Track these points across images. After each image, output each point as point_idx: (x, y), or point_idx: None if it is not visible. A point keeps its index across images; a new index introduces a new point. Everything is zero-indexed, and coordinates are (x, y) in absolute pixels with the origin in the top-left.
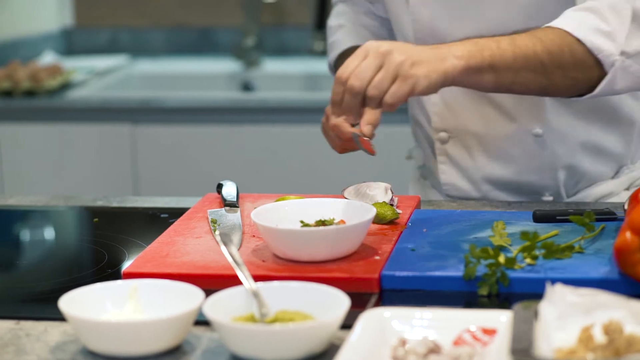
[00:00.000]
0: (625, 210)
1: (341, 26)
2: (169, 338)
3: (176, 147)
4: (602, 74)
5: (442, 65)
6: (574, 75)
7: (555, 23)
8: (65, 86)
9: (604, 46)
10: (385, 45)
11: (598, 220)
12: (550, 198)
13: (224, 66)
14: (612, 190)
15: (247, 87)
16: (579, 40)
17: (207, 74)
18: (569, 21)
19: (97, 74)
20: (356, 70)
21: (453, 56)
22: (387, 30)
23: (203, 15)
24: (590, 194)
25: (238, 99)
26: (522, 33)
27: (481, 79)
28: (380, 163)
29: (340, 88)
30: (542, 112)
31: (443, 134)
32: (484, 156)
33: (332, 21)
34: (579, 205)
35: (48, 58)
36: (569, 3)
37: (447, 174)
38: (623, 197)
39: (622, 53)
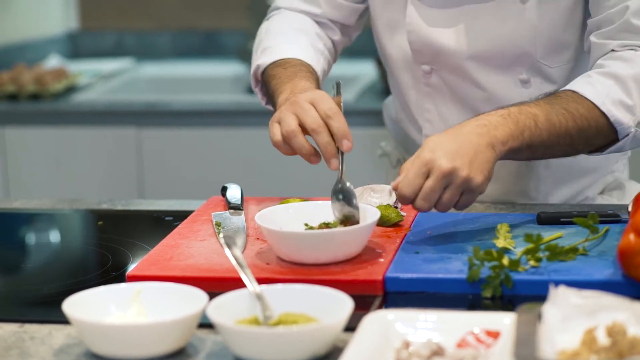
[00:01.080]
0: (629, 212)
1: (282, 33)
2: (173, 341)
3: (181, 150)
4: (615, 138)
5: (492, 156)
6: (594, 143)
7: (583, 90)
8: (71, 89)
9: (624, 120)
10: (445, 162)
11: (602, 222)
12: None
13: (230, 69)
14: (587, 195)
15: (252, 90)
16: (603, 114)
17: (213, 77)
18: (597, 92)
19: (102, 77)
20: (423, 192)
21: (499, 143)
22: (325, 58)
23: (209, 18)
24: (566, 200)
25: (243, 102)
26: (554, 103)
27: (517, 156)
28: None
29: (405, 202)
30: None
31: None
32: None
33: (273, 24)
34: (582, 208)
35: (53, 61)
36: (580, 31)
37: None
38: (598, 201)
39: (638, 124)
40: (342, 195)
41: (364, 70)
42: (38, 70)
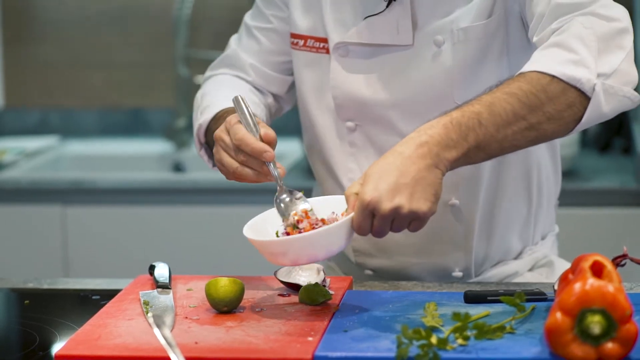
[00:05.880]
0: (555, 290)
1: (216, 90)
2: None
3: (107, 228)
4: (587, 102)
5: (437, 176)
6: (559, 116)
7: (525, 67)
8: None
9: (579, 74)
10: (385, 204)
11: (528, 300)
12: (460, 274)
13: (155, 147)
14: (516, 271)
15: (178, 168)
16: (553, 77)
17: (138, 155)
18: (538, 63)
19: (27, 155)
20: (374, 230)
21: (444, 160)
22: (264, 106)
23: (134, 96)
24: (497, 274)
25: (169, 180)
26: (496, 92)
27: (470, 160)
28: None
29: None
30: (457, 183)
31: None
32: None
33: (208, 88)
34: (509, 286)
35: None
36: (497, 67)
37: (358, 241)
38: (527, 277)
39: (599, 75)
40: (287, 197)
41: (290, 149)
42: None
